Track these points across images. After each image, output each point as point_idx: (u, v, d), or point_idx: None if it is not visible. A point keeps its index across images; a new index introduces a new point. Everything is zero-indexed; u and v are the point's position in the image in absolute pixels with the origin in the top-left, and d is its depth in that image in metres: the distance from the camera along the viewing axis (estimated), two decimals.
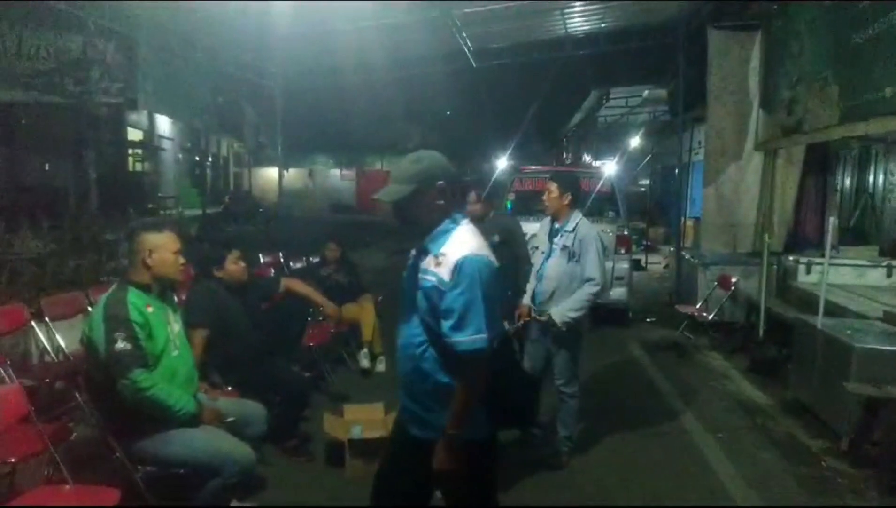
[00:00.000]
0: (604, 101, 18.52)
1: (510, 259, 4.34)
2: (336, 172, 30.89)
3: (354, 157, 29.95)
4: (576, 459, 3.91)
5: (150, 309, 2.77)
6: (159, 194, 16.27)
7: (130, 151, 15.73)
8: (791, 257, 6.99)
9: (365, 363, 5.62)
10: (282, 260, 7.28)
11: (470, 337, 1.93)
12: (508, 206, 7.59)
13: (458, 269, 1.95)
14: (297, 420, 4.01)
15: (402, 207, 2.08)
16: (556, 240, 3.73)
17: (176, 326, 2.95)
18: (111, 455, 2.77)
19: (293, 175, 27.92)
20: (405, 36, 9.05)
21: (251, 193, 24.04)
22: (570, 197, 3.71)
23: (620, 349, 6.65)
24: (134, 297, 2.74)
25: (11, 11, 7.16)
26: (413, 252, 2.16)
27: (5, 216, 6.76)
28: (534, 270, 3.88)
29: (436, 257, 2.01)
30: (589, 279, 3.61)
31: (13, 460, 2.73)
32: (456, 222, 2.09)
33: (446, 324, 1.96)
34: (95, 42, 7.40)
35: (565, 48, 10.82)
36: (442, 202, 2.09)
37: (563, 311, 3.59)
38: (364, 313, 5.68)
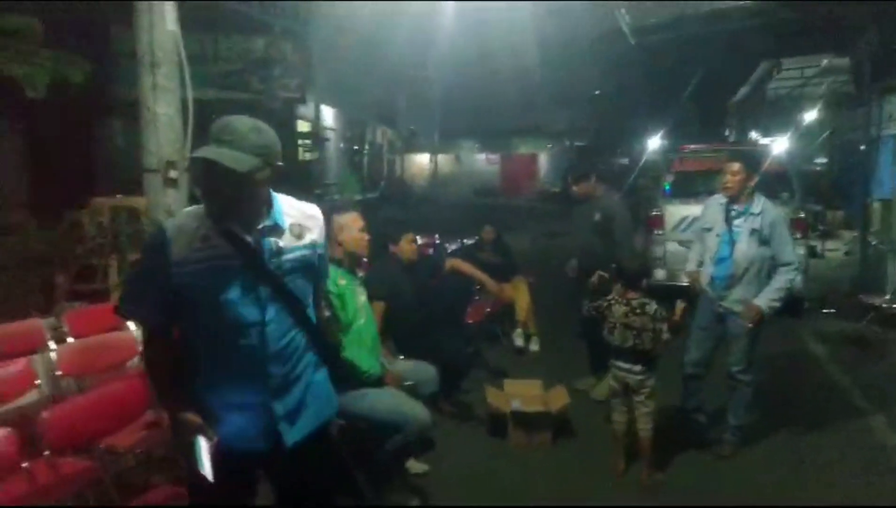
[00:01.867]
0: (774, 72, 16.92)
1: (608, 239, 4.42)
2: (481, 156, 31.34)
3: (499, 141, 30.16)
4: (743, 450, 3.77)
5: (342, 282, 3.12)
6: (325, 182, 17.58)
7: (300, 142, 17.16)
8: None
9: (519, 342, 5.77)
10: (437, 241, 7.64)
11: None
12: (666, 187, 7.29)
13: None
14: (457, 390, 4.28)
15: (241, 182, 1.74)
16: (737, 223, 3.56)
17: (362, 297, 3.29)
18: None
19: (441, 160, 28.81)
20: (559, 17, 8.99)
21: (403, 178, 25.22)
22: (755, 177, 3.55)
23: (794, 342, 6.18)
24: (331, 270, 3.10)
25: (208, 19, 8.14)
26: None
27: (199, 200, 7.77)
28: (707, 254, 3.73)
29: (291, 229, 1.89)
30: (786, 264, 3.45)
31: None
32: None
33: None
34: (277, 42, 8.23)
35: (733, 19, 10.08)
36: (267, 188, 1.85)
37: (766, 299, 3.44)
38: (519, 293, 5.83)
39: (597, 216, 4.50)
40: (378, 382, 3.11)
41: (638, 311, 3.30)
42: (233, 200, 1.78)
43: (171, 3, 4.67)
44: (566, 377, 4.57)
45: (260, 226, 1.83)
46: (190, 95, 4.87)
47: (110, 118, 9.75)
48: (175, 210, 5.08)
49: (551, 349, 5.79)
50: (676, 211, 6.96)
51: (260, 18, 7.33)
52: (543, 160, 31.01)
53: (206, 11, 6.92)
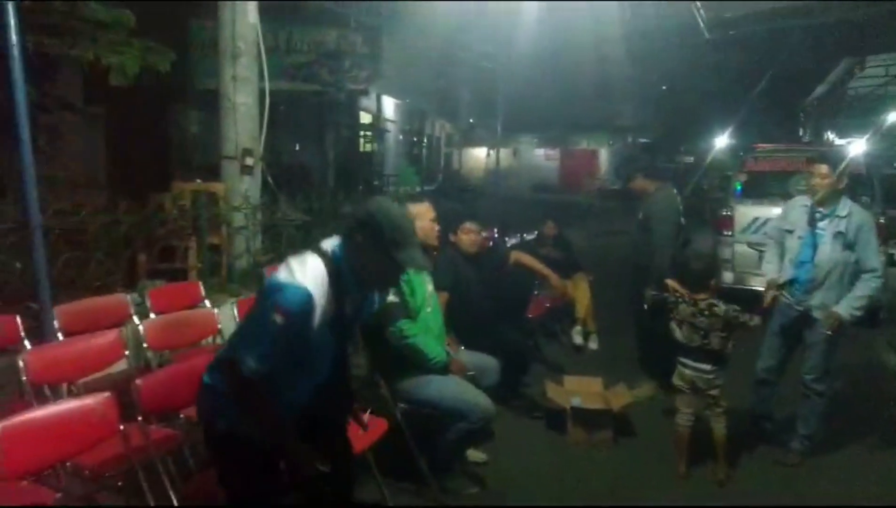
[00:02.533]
0: (857, 70, 16.06)
1: (647, 235, 4.51)
2: (540, 151, 31.06)
3: (559, 136, 29.80)
4: (811, 460, 3.65)
5: (411, 272, 3.19)
6: (384, 173, 17.84)
7: (361, 133, 17.45)
8: None
9: (578, 339, 5.74)
10: (496, 235, 7.65)
11: None
12: (738, 187, 7.08)
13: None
14: (518, 384, 4.31)
15: None
16: (822, 225, 3.44)
17: (429, 286, 3.36)
18: (377, 391, 3.26)
19: (500, 154, 28.70)
20: (629, 10, 8.82)
21: (460, 171, 25.29)
22: (843, 180, 3.42)
23: (868, 352, 5.90)
24: None
25: (283, 11, 8.39)
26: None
27: (269, 189, 8.05)
28: (787, 257, 3.61)
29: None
30: (871, 270, 3.33)
31: None
32: None
33: None
34: (348, 35, 8.41)
35: (814, 14, 9.64)
36: None
37: (848, 306, 3.33)
38: (579, 291, 5.79)
39: (640, 214, 4.60)
40: (443, 369, 3.17)
41: (706, 313, 3.24)
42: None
43: None
44: (625, 376, 4.52)
45: None
46: (267, 85, 5.08)
47: (185, 107, 10.19)
48: (250, 196, 5.33)
49: (610, 349, 5.73)
50: (748, 212, 6.75)
51: (333, 11, 7.50)
52: (604, 157, 30.49)
53: (280, 4, 7.13)
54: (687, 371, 3.33)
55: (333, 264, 2.00)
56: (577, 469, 3.60)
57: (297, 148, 14.14)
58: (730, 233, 6.87)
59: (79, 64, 5.18)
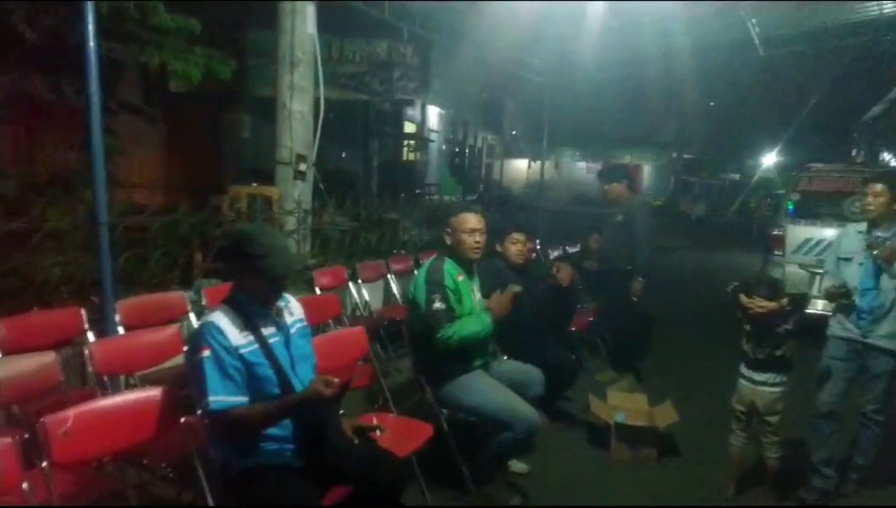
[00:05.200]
0: None
1: (628, 237, 4.98)
2: (582, 164, 30.85)
3: (602, 149, 29.54)
4: (865, 491, 3.53)
5: (460, 278, 3.23)
6: (426, 182, 17.98)
7: (405, 143, 17.64)
8: None
9: None
10: (538, 247, 7.63)
11: None
12: (790, 206, 6.91)
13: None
14: (561, 397, 4.28)
15: None
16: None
17: (477, 295, 3.39)
18: (423, 396, 3.30)
19: (539, 167, 28.62)
20: (680, 26, 8.73)
21: (501, 182, 25.29)
22: None
23: None
24: (450, 267, 3.23)
25: (336, 23, 8.59)
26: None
27: (319, 194, 8.21)
28: (850, 284, 3.37)
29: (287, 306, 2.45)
30: None
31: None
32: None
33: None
34: (399, 46, 8.56)
35: (877, 31, 9.36)
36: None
37: None
38: None
39: (619, 218, 5.06)
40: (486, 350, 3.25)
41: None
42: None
43: (312, 7, 5.01)
44: (668, 393, 4.46)
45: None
46: (322, 94, 5.21)
47: (239, 113, 10.50)
48: (302, 201, 5.47)
49: (652, 364, 5.65)
50: (800, 232, 6.58)
51: (386, 22, 7.65)
52: (647, 172, 30.09)
53: (334, 15, 7.30)
54: (748, 386, 3.26)
55: (230, 293, 2.32)
56: (619, 486, 3.56)
57: (343, 155, 14.39)
58: (780, 253, 6.71)
59: (140, 69, 5.43)
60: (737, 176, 25.71)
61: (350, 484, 2.37)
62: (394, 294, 5.69)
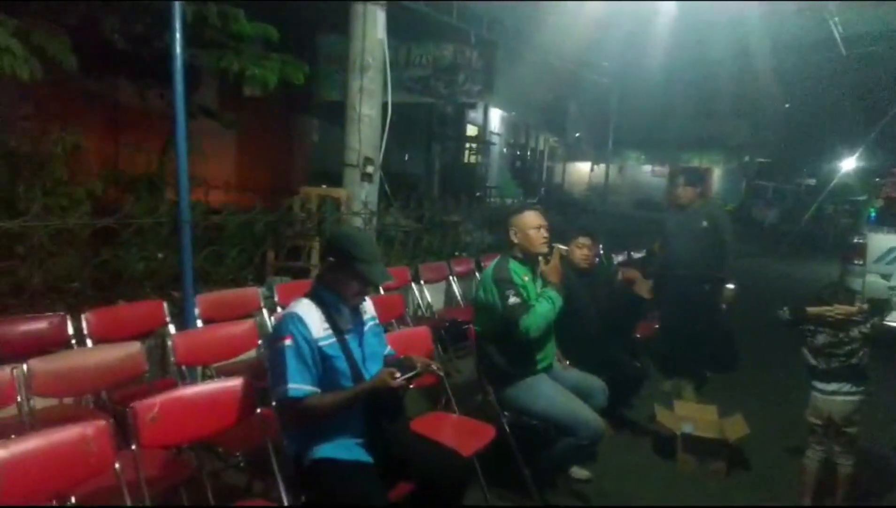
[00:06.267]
0: None
1: (716, 244, 4.74)
2: (647, 168, 30.09)
3: (668, 153, 28.72)
4: None
5: (525, 278, 3.24)
6: (486, 185, 17.98)
7: (467, 145, 17.70)
8: None
9: None
10: (601, 251, 7.51)
11: None
12: (872, 213, 6.56)
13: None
14: (625, 406, 4.21)
15: None
16: None
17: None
18: (485, 397, 3.32)
19: (604, 170, 28.14)
20: (757, 25, 8.42)
21: (563, 186, 25.02)
22: None
23: None
24: (515, 266, 3.25)
25: (403, 27, 8.75)
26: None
27: (381, 196, 8.36)
28: None
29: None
30: None
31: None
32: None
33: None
34: (465, 49, 8.63)
35: None
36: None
37: None
38: None
39: (703, 223, 4.78)
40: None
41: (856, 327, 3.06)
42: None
43: (383, 12, 5.12)
44: (739, 405, 4.30)
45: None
46: (390, 98, 5.32)
47: (308, 117, 10.82)
48: (369, 202, 5.60)
49: (721, 375, 5.47)
50: (883, 241, 6.23)
51: (452, 26, 7.72)
52: (717, 175, 29.06)
53: (402, 19, 7.43)
54: (824, 398, 3.13)
55: (314, 288, 2.44)
56: (684, 499, 3.47)
57: (406, 158, 14.58)
58: (861, 262, 6.37)
59: (216, 74, 5.68)
60: (813, 181, 24.48)
61: (415, 481, 2.42)
62: (455, 296, 5.74)
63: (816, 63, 12.76)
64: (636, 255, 7.26)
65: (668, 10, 7.84)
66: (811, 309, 3.10)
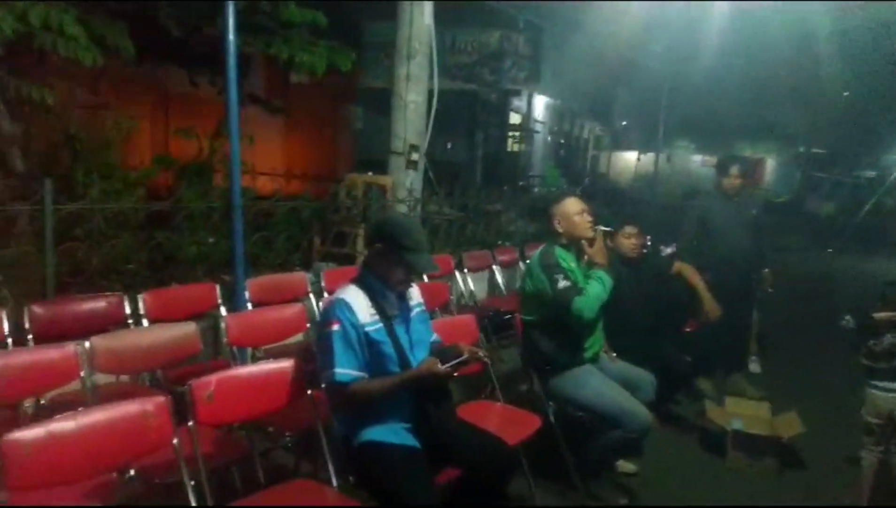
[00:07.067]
0: None
1: (758, 232, 4.81)
2: (697, 157, 29.28)
3: (719, 142, 27.85)
4: None
5: (572, 264, 3.19)
6: (529, 173, 17.78)
7: (510, 134, 17.51)
8: None
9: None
10: (648, 243, 7.34)
11: None
12: None
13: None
14: (673, 400, 4.12)
15: None
16: None
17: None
18: (530, 387, 3.30)
19: (651, 159, 27.53)
20: (817, 9, 8.06)
21: (608, 175, 24.59)
22: None
23: None
24: (561, 253, 3.20)
25: (450, 13, 8.70)
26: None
27: (429, 184, 8.36)
28: None
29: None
30: None
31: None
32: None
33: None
34: (511, 35, 8.50)
35: None
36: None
37: None
38: None
39: (753, 211, 4.82)
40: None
41: None
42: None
43: None
44: (789, 403, 4.17)
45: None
46: (436, 85, 5.30)
47: (353, 104, 10.88)
48: (413, 190, 5.61)
49: (773, 372, 5.31)
50: None
51: (500, 11, 7.62)
52: (770, 166, 28.12)
53: (449, 5, 7.37)
54: (883, 396, 2.99)
55: (361, 273, 2.45)
56: (733, 495, 3.39)
57: (448, 146, 14.53)
58: None
59: (264, 61, 5.75)
60: (873, 173, 23.44)
61: (461, 467, 2.42)
62: (498, 285, 5.70)
63: (878, 48, 12.15)
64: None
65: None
66: (878, 315, 2.96)
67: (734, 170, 4.88)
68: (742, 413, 3.87)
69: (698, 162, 28.88)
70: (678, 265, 4.40)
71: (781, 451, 3.60)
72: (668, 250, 7.17)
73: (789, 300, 4.88)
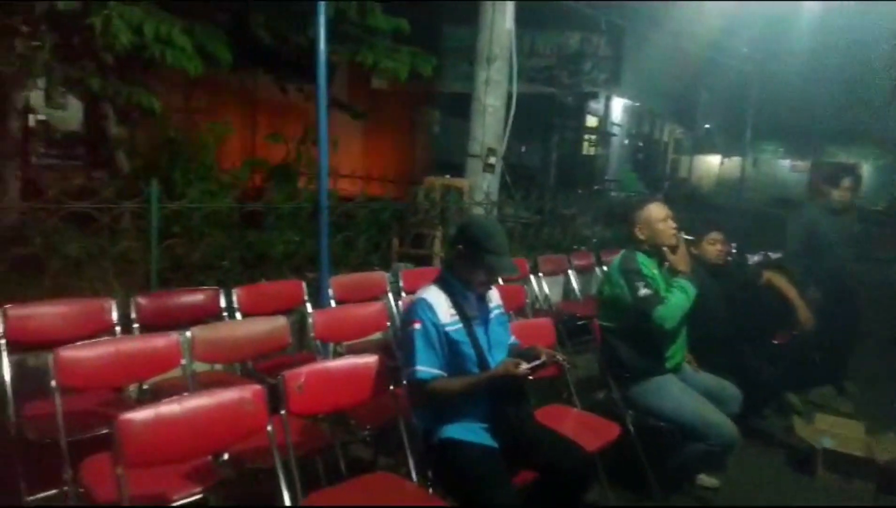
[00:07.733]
0: None
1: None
2: (785, 162, 27.80)
3: (810, 146, 26.31)
4: None
5: (654, 271, 3.14)
6: (605, 177, 17.44)
7: (586, 137, 17.24)
8: None
9: None
10: (733, 250, 7.06)
11: None
12: None
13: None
14: (758, 415, 3.96)
15: None
16: None
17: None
18: (608, 394, 3.26)
19: (734, 164, 26.35)
20: None
21: (689, 180, 23.75)
22: None
23: None
24: (643, 259, 3.16)
25: (529, 16, 8.69)
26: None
27: (506, 187, 8.38)
28: None
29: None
30: None
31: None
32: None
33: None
34: (591, 37, 8.40)
35: None
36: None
37: None
38: None
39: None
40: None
41: None
42: None
43: (512, 2, 5.12)
44: (889, 424, 3.91)
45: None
46: (515, 88, 5.33)
47: (431, 108, 11.04)
48: (490, 193, 5.65)
49: (870, 390, 4.99)
50: None
51: (580, 12, 7.54)
52: (866, 171, 26.29)
53: (528, 7, 7.37)
54: None
55: (442, 274, 2.52)
56: None
57: (523, 150, 14.48)
58: None
59: (345, 67, 5.93)
60: None
61: (538, 470, 2.43)
62: (573, 289, 5.65)
63: None
64: (773, 255, 6.74)
65: None
66: None
67: (846, 182, 4.62)
68: (833, 431, 3.67)
69: (786, 167, 27.42)
70: (768, 275, 4.22)
71: (878, 474, 3.39)
72: (756, 258, 6.89)
73: (888, 316, 4.56)
